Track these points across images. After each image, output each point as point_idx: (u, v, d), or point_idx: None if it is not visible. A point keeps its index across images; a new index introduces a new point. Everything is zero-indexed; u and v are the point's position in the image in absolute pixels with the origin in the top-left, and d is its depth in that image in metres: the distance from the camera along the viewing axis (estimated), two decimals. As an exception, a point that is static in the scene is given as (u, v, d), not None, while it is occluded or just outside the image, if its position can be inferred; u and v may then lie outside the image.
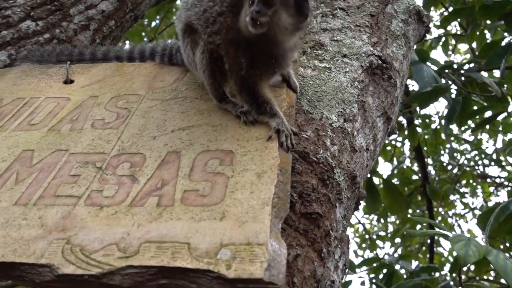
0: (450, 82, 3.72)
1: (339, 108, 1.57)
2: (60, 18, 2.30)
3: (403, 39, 2.16)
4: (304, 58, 1.81)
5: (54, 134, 1.30)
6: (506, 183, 8.00)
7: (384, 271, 4.86)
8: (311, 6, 1.45)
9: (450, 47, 5.89)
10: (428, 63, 3.45)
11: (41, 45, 2.22)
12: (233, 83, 1.38)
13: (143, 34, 6.08)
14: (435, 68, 4.06)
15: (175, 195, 1.02)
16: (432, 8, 4.78)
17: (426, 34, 2.54)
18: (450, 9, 5.20)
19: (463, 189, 8.17)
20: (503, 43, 3.47)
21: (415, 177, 6.73)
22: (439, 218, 8.34)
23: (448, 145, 7.71)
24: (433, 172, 7.72)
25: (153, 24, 6.40)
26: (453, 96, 3.90)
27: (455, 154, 8.12)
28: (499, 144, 7.79)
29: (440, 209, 8.44)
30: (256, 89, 1.33)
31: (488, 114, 4.13)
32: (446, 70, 3.65)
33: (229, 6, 1.39)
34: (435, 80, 3.10)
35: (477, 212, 8.38)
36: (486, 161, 8.11)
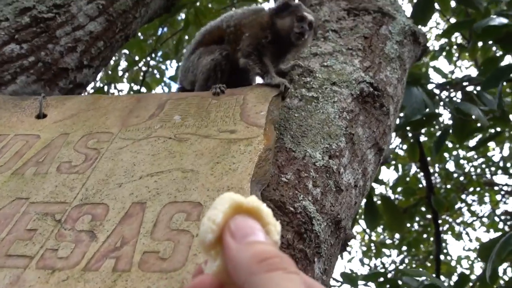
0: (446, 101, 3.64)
1: (324, 143, 1.49)
2: (46, 40, 2.24)
3: (398, 61, 2.08)
4: (291, 87, 1.73)
5: (17, 179, 1.23)
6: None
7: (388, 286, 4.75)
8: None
9: (455, 54, 5.78)
10: (430, 73, 3.37)
11: (26, 68, 2.17)
12: (244, 51, 1.65)
13: (150, 42, 6.00)
14: (435, 83, 3.97)
15: (134, 257, 0.95)
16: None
17: (424, 54, 2.45)
18: (451, 20, 5.11)
19: (470, 197, 8.04)
20: (502, 63, 3.38)
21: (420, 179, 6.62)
22: (446, 226, 8.21)
23: (454, 152, 7.58)
24: (438, 180, 7.60)
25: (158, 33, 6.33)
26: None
27: (461, 162, 7.98)
28: (506, 152, 7.66)
29: (448, 217, 8.30)
30: (262, 57, 1.63)
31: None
32: (439, 91, 3.58)
33: (277, 9, 1.72)
34: (425, 106, 3.02)
35: (485, 220, 8.24)
36: (493, 169, 7.98)
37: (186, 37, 5.29)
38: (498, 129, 4.05)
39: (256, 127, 1.30)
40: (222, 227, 0.57)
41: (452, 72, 7.39)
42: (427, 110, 3.23)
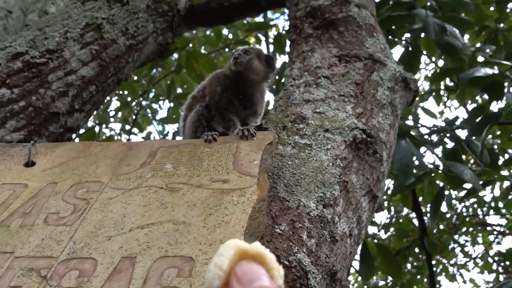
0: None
1: (318, 192, 1.47)
2: (38, 85, 2.23)
3: (390, 107, 2.09)
4: (284, 134, 1.72)
5: (2, 232, 1.18)
6: (507, 231, 7.83)
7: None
8: (275, 62, 1.92)
9: (444, 96, 5.88)
10: (423, 117, 3.41)
11: (16, 113, 2.15)
12: (213, 113, 1.79)
13: (144, 82, 6.03)
14: (426, 126, 4.02)
15: (122, 317, 0.90)
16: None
17: (415, 99, 2.47)
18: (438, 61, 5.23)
19: (463, 237, 7.99)
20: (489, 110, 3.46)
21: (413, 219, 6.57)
22: (440, 267, 8.10)
23: (446, 192, 7.58)
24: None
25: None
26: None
27: (453, 202, 7.97)
28: (497, 192, 7.67)
29: (442, 258, 8.20)
30: (225, 112, 1.78)
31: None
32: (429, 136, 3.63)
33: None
34: (412, 159, 3.06)
35: (479, 261, 8.15)
36: (484, 209, 7.97)
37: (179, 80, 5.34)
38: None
39: (250, 176, 1.28)
40: (228, 273, 0.58)
41: (442, 113, 7.50)
42: (415, 159, 3.27)
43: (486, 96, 4.38)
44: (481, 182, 4.70)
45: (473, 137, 3.29)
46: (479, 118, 3.42)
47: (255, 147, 1.41)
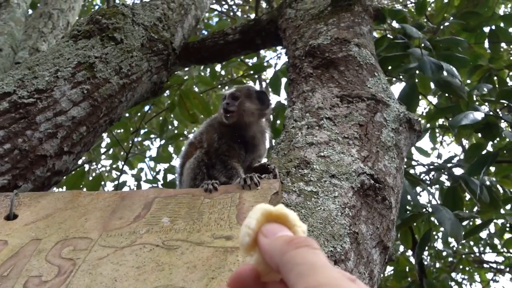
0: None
1: (328, 246, 1.34)
2: (25, 126, 2.12)
3: (395, 150, 2.00)
4: (288, 180, 1.61)
5: (-25, 300, 1.04)
6: (505, 268, 7.68)
7: None
8: (270, 98, 1.91)
9: (438, 134, 5.84)
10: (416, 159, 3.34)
11: (0, 156, 2.02)
12: (214, 160, 1.69)
13: (136, 119, 5.94)
14: (422, 164, 3.95)
15: None
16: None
17: (418, 140, 2.39)
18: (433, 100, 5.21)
19: (460, 275, 7.81)
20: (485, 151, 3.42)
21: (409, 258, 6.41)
22: (439, 307, 7.88)
23: (441, 228, 7.46)
24: (427, 257, 7.39)
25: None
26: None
27: (449, 239, 7.83)
28: (493, 228, 7.56)
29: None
30: (226, 159, 1.67)
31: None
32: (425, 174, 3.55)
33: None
34: (406, 197, 2.98)
35: (477, 301, 7.94)
36: (481, 247, 7.85)
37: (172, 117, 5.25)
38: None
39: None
40: (256, 231, 0.67)
41: (435, 148, 7.47)
42: (409, 198, 3.19)
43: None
44: (480, 222, 4.61)
45: (472, 176, 3.21)
46: (476, 158, 3.37)
47: (259, 198, 1.30)
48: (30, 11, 5.10)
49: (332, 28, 2.62)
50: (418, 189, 4.24)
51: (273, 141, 3.98)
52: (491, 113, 3.23)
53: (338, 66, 2.36)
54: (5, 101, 2.11)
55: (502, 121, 3.40)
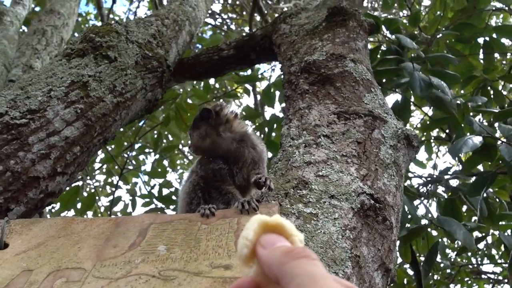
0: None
1: (330, 272, 1.31)
2: (17, 147, 2.07)
3: (394, 167, 1.97)
4: (286, 202, 1.58)
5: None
6: (503, 279, 7.65)
7: None
8: (211, 106, 1.90)
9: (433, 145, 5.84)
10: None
11: (-8, 179, 1.98)
12: (209, 189, 1.66)
13: (130, 133, 5.89)
14: (420, 176, 3.94)
15: None
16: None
17: (416, 155, 2.37)
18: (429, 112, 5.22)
19: (458, 287, 7.77)
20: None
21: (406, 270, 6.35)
22: (438, 320, 7.82)
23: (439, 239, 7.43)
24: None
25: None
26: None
27: (447, 250, 7.80)
28: (490, 239, 7.54)
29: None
30: (219, 185, 1.64)
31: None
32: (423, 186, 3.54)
33: None
34: (405, 212, 2.96)
35: (477, 312, 7.89)
36: (479, 257, 7.82)
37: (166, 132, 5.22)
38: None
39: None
40: (254, 243, 0.68)
41: (431, 159, 7.47)
42: (409, 216, 3.17)
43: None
44: (479, 235, 4.58)
45: (472, 196, 3.21)
46: (475, 178, 3.37)
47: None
48: (25, 29, 5.08)
49: (327, 43, 2.61)
50: (415, 202, 4.22)
51: (269, 153, 3.96)
52: (488, 134, 3.22)
53: (334, 82, 2.34)
54: (-4, 122, 2.07)
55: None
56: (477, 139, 2.96)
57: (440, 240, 3.99)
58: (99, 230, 1.32)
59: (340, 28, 2.71)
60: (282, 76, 2.69)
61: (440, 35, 4.44)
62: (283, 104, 5.10)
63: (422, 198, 3.86)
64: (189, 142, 1.87)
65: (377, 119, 2.14)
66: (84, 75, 2.38)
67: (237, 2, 10.32)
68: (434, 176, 4.32)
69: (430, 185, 4.17)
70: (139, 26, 2.93)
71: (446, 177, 3.68)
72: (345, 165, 1.84)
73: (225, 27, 10.30)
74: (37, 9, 6.75)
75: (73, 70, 2.39)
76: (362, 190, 1.69)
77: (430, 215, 3.28)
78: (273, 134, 4.89)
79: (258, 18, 7.96)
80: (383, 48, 3.96)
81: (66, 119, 2.23)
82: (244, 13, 10.04)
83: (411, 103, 3.56)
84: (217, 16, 10.22)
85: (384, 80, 3.78)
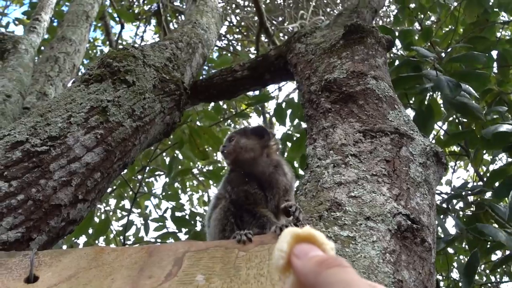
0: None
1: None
2: (38, 175, 2.04)
3: (426, 185, 1.91)
4: (321, 225, 1.52)
5: None
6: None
7: None
8: (268, 130, 1.89)
9: (451, 165, 5.76)
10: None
11: (14, 208, 1.94)
12: (240, 213, 1.59)
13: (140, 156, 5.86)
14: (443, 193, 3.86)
15: None
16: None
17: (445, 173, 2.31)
18: (444, 126, 5.16)
19: (478, 305, 7.58)
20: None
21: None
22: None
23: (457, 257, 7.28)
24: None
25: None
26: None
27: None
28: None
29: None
30: (252, 208, 1.59)
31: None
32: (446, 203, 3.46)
33: None
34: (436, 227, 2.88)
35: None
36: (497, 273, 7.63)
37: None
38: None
39: None
40: (288, 253, 0.70)
41: (445, 174, 7.38)
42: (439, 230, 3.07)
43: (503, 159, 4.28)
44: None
45: (498, 199, 3.10)
46: (502, 180, 3.26)
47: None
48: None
49: (346, 61, 2.58)
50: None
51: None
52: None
53: (357, 100, 2.30)
54: (17, 150, 2.04)
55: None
56: (510, 126, 2.86)
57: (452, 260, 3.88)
58: (132, 260, 1.27)
59: (358, 46, 2.68)
60: (302, 96, 2.66)
61: (451, 48, 4.42)
62: (296, 120, 5.07)
63: (444, 214, 3.77)
64: (224, 145, 1.82)
65: (404, 136, 2.09)
66: (103, 100, 2.35)
67: (243, 24, 10.41)
68: (453, 192, 4.25)
69: (451, 201, 4.09)
70: (155, 49, 2.92)
71: (469, 192, 3.59)
72: (376, 184, 1.78)
73: (231, 48, 10.37)
74: (46, 36, 6.82)
75: (92, 96, 2.37)
76: (398, 211, 1.63)
77: (459, 227, 3.17)
78: (285, 154, 4.84)
79: (263, 38, 7.99)
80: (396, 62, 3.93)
81: (86, 145, 2.20)
82: (250, 34, 10.12)
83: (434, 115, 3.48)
84: (223, 38, 10.29)
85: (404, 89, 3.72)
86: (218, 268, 1.18)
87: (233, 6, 10.41)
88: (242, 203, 1.57)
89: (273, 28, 8.54)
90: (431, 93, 3.37)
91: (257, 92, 6.83)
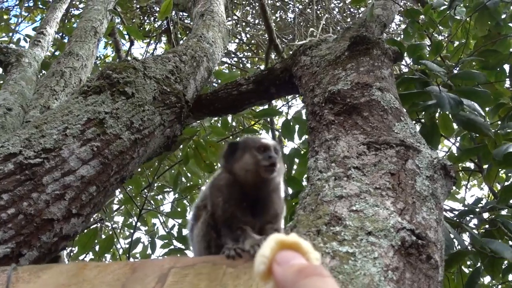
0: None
1: (375, 321, 1.14)
2: (30, 189, 1.98)
3: (433, 200, 1.81)
4: (319, 240, 1.43)
5: None
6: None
7: None
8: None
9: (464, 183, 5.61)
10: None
11: (4, 222, 1.88)
12: (219, 227, 1.45)
13: (148, 172, 5.81)
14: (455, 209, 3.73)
15: None
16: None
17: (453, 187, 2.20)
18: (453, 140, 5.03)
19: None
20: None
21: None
22: None
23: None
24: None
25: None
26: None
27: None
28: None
29: None
30: (233, 224, 1.42)
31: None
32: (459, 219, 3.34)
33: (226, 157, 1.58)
34: (451, 240, 2.75)
35: None
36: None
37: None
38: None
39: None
40: (271, 259, 0.68)
41: (458, 193, 7.19)
42: (456, 243, 2.92)
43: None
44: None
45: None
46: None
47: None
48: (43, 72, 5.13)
49: (351, 73, 2.51)
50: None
51: (289, 190, 3.80)
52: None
53: (362, 112, 2.22)
54: (10, 162, 1.99)
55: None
56: None
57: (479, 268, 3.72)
58: (114, 276, 1.19)
59: (363, 57, 2.61)
60: (305, 108, 2.58)
61: (463, 61, 4.32)
62: (304, 136, 4.99)
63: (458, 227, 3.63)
64: (272, 155, 1.53)
65: (410, 148, 1.99)
66: (101, 112, 2.31)
67: (253, 41, 10.44)
68: (468, 209, 4.11)
69: (464, 218, 3.95)
70: (157, 62, 2.89)
71: (480, 208, 3.46)
72: (380, 198, 1.69)
73: (241, 65, 10.38)
74: (57, 53, 6.87)
75: (90, 107, 2.33)
76: (402, 226, 1.53)
77: (470, 240, 3.03)
78: (294, 169, 4.74)
79: (273, 56, 7.98)
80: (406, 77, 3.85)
81: (82, 157, 2.15)
82: (260, 51, 10.12)
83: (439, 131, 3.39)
84: (232, 55, 10.32)
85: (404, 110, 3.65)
86: (203, 286, 1.10)
87: (243, 24, 10.47)
88: (224, 219, 1.45)
89: (283, 45, 8.53)
90: (433, 109, 3.27)
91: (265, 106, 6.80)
